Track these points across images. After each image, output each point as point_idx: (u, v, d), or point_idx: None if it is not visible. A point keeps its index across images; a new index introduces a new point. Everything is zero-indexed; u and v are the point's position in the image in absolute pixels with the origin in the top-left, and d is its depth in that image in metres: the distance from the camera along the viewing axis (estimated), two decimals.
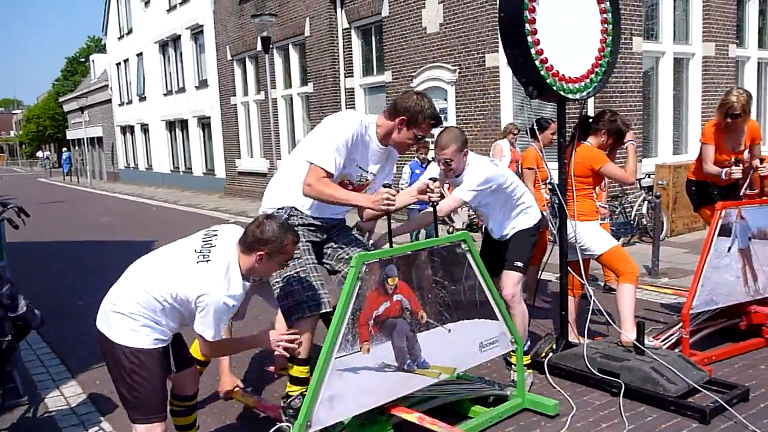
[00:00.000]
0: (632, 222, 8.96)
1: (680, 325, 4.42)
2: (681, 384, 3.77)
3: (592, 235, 4.44)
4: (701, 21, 10.42)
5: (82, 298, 7.17)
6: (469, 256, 3.55)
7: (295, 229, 3.05)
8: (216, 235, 2.93)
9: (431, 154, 6.24)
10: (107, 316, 2.80)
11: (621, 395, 3.79)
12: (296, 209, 3.48)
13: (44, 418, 4.15)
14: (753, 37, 11.56)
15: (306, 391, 3.06)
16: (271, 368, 4.45)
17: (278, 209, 3.48)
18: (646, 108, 10.08)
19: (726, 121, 4.91)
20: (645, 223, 8.99)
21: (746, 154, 5.14)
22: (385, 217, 3.39)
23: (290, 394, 3.35)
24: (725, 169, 4.88)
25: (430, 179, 3.63)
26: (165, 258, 2.89)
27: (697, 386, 3.77)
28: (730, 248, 4.51)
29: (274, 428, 3.20)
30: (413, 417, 3.34)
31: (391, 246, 3.38)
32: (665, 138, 10.47)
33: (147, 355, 2.76)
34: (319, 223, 3.52)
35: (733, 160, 4.86)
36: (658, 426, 3.55)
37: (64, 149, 40.62)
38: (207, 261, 2.78)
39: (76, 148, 38.84)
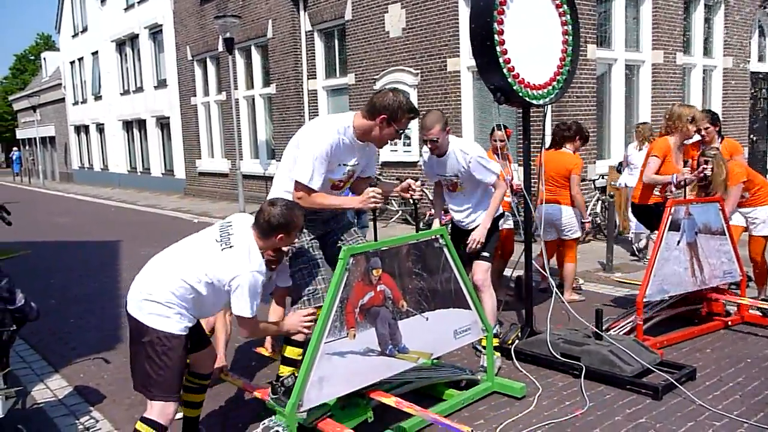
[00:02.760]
0: None
1: (635, 312, 4.80)
2: (636, 365, 4.14)
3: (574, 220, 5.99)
4: (651, 30, 10.93)
5: (54, 297, 7.20)
6: (445, 250, 3.83)
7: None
8: (231, 224, 3.26)
9: None
10: (141, 304, 3.06)
11: (582, 376, 4.14)
12: None
13: (33, 409, 4.27)
14: (698, 45, 12.12)
15: (297, 372, 3.31)
16: (258, 349, 4.75)
17: None
18: (600, 112, 10.50)
19: (694, 134, 5.34)
20: (599, 221, 9.41)
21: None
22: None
23: (281, 375, 3.60)
24: (675, 175, 5.13)
25: (413, 179, 3.87)
26: (189, 250, 3.19)
27: (650, 367, 4.14)
28: (679, 242, 4.91)
29: (268, 398, 3.51)
30: (391, 401, 3.55)
31: (375, 239, 3.65)
32: (617, 141, 10.92)
33: (177, 339, 3.05)
34: (314, 216, 3.73)
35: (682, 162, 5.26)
36: (616, 402, 3.90)
37: (14, 148, 39.64)
38: (230, 247, 3.10)
39: (27, 147, 37.94)
